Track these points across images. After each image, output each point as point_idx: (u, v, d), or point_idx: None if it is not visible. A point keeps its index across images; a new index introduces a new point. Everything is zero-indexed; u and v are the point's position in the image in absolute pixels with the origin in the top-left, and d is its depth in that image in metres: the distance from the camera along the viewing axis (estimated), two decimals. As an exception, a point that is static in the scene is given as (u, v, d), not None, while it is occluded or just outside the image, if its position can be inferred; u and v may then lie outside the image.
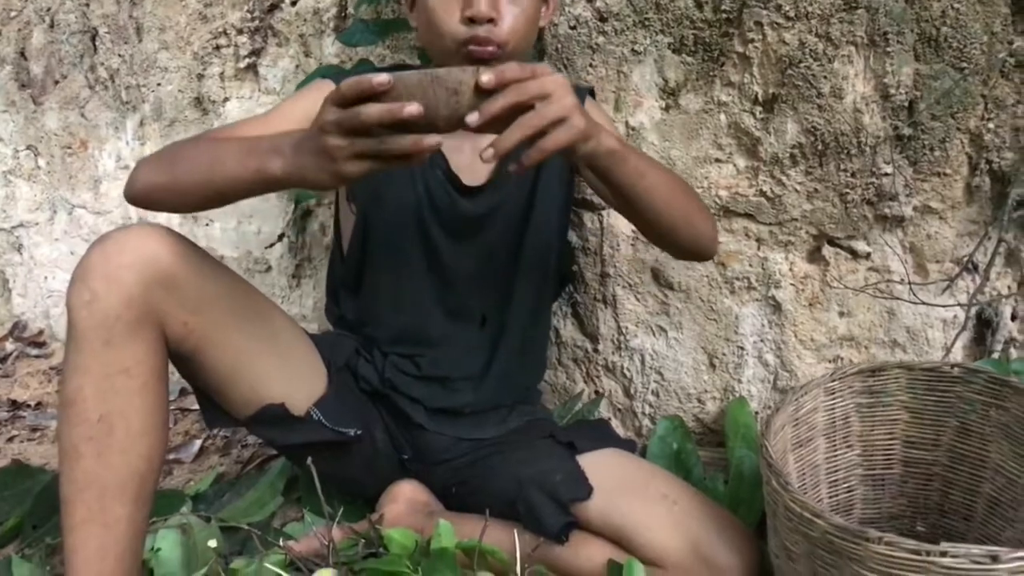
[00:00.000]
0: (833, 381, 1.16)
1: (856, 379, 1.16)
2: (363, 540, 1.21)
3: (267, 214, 1.81)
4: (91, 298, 1.00)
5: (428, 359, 1.31)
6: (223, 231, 1.88)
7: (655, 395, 1.55)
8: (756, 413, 1.49)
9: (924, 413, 1.16)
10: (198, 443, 1.67)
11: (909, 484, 1.20)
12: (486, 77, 0.83)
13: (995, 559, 0.84)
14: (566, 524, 1.18)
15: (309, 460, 1.10)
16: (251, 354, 1.18)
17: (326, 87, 1.15)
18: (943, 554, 0.84)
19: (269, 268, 1.85)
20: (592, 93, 1.39)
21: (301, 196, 1.67)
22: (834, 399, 1.17)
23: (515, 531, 1.16)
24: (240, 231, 1.86)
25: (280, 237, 1.78)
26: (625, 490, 1.19)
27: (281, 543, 1.16)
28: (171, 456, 1.63)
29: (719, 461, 1.45)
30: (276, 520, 1.42)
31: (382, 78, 0.82)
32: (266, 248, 1.81)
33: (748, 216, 1.43)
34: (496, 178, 1.28)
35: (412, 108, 0.81)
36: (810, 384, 1.15)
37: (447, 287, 1.31)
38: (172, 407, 1.81)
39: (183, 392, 1.86)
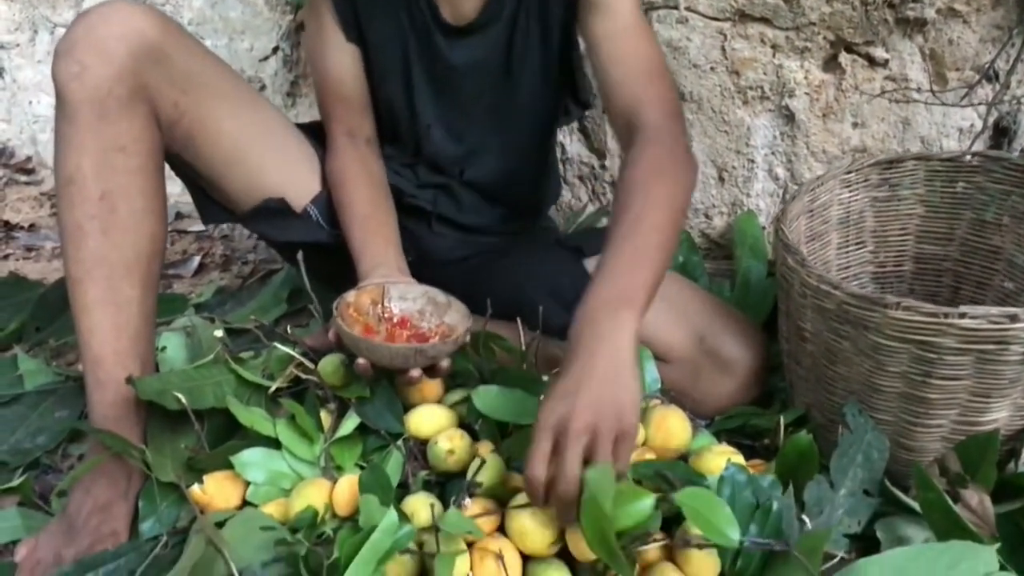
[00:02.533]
0: (849, 173, 1.14)
1: (873, 171, 1.14)
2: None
3: (259, 29, 1.74)
4: (80, 70, 0.97)
5: (426, 169, 1.27)
6: (214, 48, 1.80)
7: (661, 210, 1.53)
8: (764, 228, 1.47)
9: (940, 207, 1.15)
10: (197, 259, 1.65)
11: (920, 281, 1.19)
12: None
13: (1013, 319, 0.83)
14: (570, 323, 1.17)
15: (300, 255, 1.08)
16: (246, 142, 1.15)
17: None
18: (962, 316, 0.84)
19: (263, 87, 1.79)
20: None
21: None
22: (850, 192, 1.15)
23: (519, 323, 1.16)
24: (232, 48, 1.79)
25: (274, 51, 1.71)
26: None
27: (289, 333, 1.14)
28: (170, 271, 1.61)
29: (725, 272, 1.44)
30: (280, 328, 1.41)
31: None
32: (260, 61, 1.74)
33: (764, 20, 1.37)
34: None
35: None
36: (826, 175, 1.12)
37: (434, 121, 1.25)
38: (169, 229, 1.78)
39: (179, 216, 1.83)
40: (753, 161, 1.46)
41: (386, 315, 1.04)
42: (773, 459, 1.01)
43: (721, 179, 1.48)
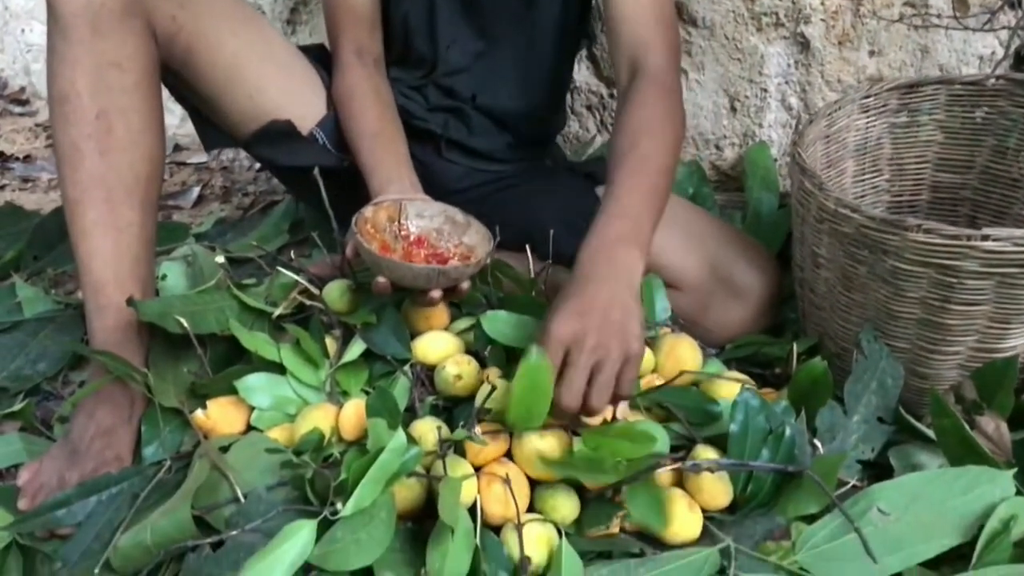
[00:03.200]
0: (868, 98, 1.10)
1: (892, 95, 1.10)
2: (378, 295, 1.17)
3: (258, -48, 1.68)
4: None
5: (436, 92, 1.24)
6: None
7: (671, 141, 1.49)
8: (776, 160, 1.44)
9: (960, 133, 1.11)
10: (196, 190, 1.62)
11: (936, 210, 1.17)
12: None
13: (1039, 241, 0.81)
14: (582, 248, 1.15)
15: (316, 171, 1.04)
16: (246, 60, 1.11)
17: None
18: (985, 238, 0.82)
19: (261, 12, 1.74)
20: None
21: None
22: (868, 118, 1.11)
23: (528, 250, 1.13)
24: (230, -27, 1.73)
25: (274, -25, 1.66)
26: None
27: (292, 257, 1.12)
28: (170, 202, 1.59)
29: (736, 204, 1.42)
30: (283, 257, 1.39)
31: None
32: (258, -15, 1.69)
33: (782, -58, 1.33)
34: None
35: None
36: (844, 99, 1.09)
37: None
38: (167, 160, 1.75)
39: (177, 147, 1.79)
40: (766, 90, 1.42)
41: (403, 233, 1.01)
42: (784, 388, 1.00)
43: (733, 109, 1.45)
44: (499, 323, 0.97)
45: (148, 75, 1.00)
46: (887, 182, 1.16)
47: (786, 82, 1.41)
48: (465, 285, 0.96)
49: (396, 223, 1.01)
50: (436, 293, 0.94)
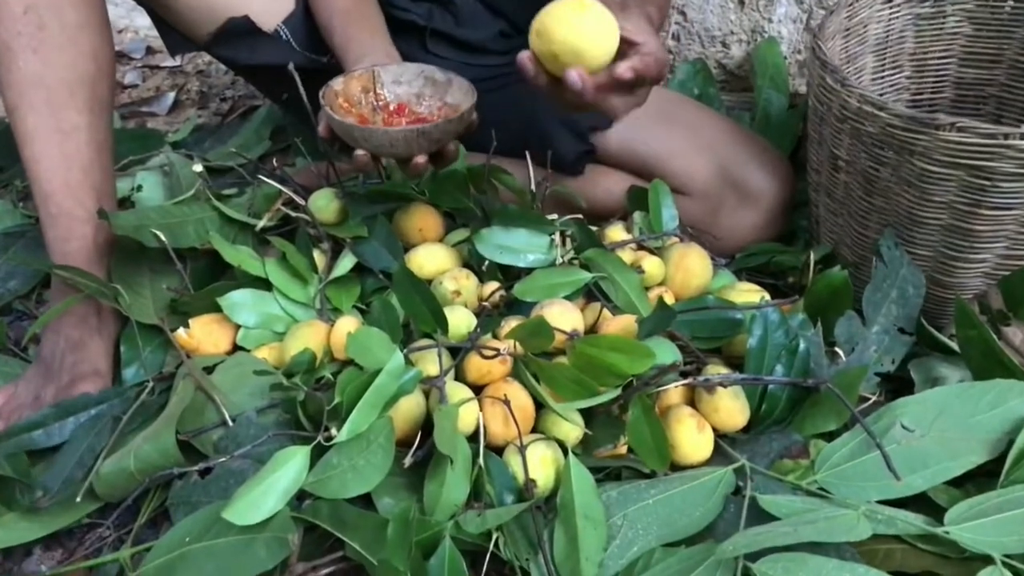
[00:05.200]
0: (893, -14, 1.02)
1: (919, -17, 1.02)
2: (363, 174, 1.11)
3: None
4: None
5: None
6: None
7: (675, 39, 1.41)
8: (785, 58, 1.36)
9: (989, 24, 1.04)
10: (171, 96, 1.53)
11: (959, 108, 1.10)
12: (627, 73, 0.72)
13: (1082, 140, 0.75)
14: (583, 153, 1.08)
15: (291, 66, 0.96)
16: None
17: None
18: (1023, 136, 0.76)
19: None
20: None
21: None
22: (891, 9, 1.03)
23: (527, 157, 1.07)
24: None
25: None
26: (648, 118, 1.07)
27: (275, 164, 1.05)
28: (143, 109, 1.50)
29: (744, 105, 1.34)
30: (266, 165, 1.31)
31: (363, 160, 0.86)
32: None
33: None
34: None
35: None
36: (867, -12, 1.01)
37: None
38: (139, 64, 1.66)
39: (150, 50, 1.69)
40: (777, -18, 1.33)
41: (380, 102, 0.93)
42: (799, 299, 0.95)
43: (741, 3, 1.36)
44: (493, 241, 0.91)
45: None
46: (908, 79, 1.09)
47: (798, -27, 1.32)
48: (452, 146, 0.89)
49: (372, 93, 0.93)
50: (421, 158, 0.86)
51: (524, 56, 0.74)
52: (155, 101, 1.51)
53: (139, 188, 1.17)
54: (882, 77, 1.08)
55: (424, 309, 0.80)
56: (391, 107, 0.93)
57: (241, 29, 1.07)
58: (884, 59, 1.07)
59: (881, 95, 1.09)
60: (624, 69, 0.72)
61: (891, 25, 1.05)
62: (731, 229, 1.03)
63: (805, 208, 1.07)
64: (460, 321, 0.83)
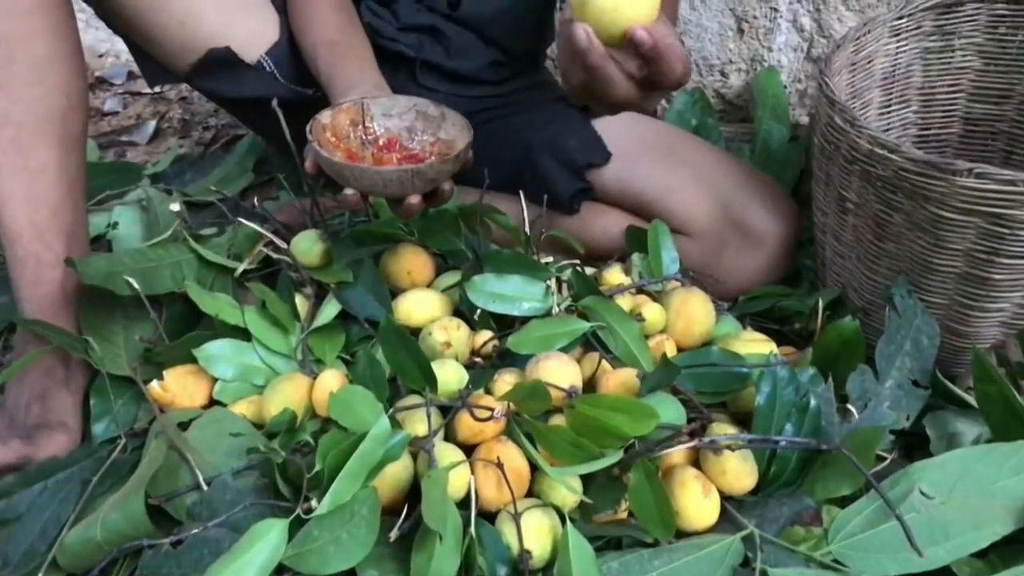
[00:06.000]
0: (900, 19, 0.98)
1: (927, 16, 0.99)
2: (350, 212, 1.06)
3: None
4: None
5: (409, 5, 1.10)
6: None
7: (671, 67, 1.37)
8: (785, 88, 1.33)
9: (999, 59, 1.00)
10: (152, 124, 1.48)
11: (968, 145, 1.06)
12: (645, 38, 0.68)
13: (1108, 188, 0.71)
14: (579, 191, 1.04)
15: (274, 102, 0.92)
16: None
17: None
18: (1046, 184, 0.72)
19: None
20: None
21: None
22: (898, 42, 1.00)
23: (520, 196, 1.03)
24: None
25: None
26: (646, 154, 1.04)
27: (256, 204, 1.00)
28: (123, 138, 1.45)
29: (743, 136, 1.30)
30: (247, 202, 1.26)
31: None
32: None
33: None
34: None
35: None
36: (874, 22, 0.97)
37: None
38: (120, 91, 1.61)
39: (131, 75, 1.64)
40: (776, 10, 1.29)
41: (370, 136, 0.88)
42: (806, 347, 0.91)
43: (740, 31, 1.32)
44: (485, 288, 0.86)
45: None
46: (915, 114, 1.05)
47: (799, 0, 1.28)
48: (447, 186, 0.83)
49: (361, 126, 0.88)
50: (415, 198, 0.81)
51: (578, 26, 0.69)
52: (135, 130, 1.46)
53: (115, 225, 1.12)
54: (889, 112, 1.04)
55: (412, 366, 0.75)
56: (381, 141, 0.88)
57: (223, 60, 1.03)
58: (891, 94, 1.03)
59: (887, 131, 1.05)
60: (644, 34, 0.67)
61: (898, 59, 1.01)
62: (733, 271, 0.99)
63: (810, 247, 1.03)
64: (450, 376, 0.79)
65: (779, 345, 0.90)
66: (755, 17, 1.31)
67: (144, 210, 1.16)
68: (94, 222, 1.12)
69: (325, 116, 0.85)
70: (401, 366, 0.76)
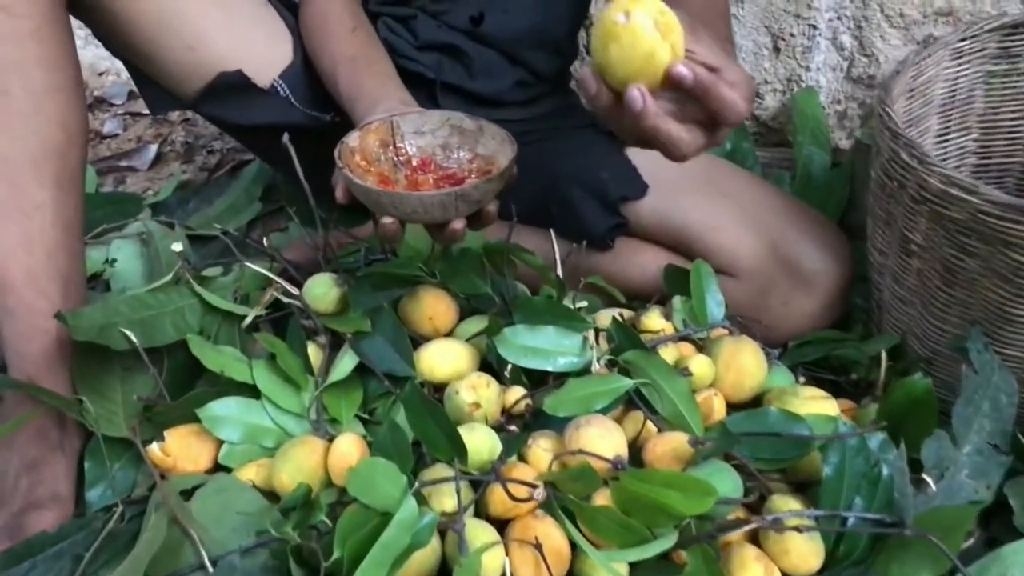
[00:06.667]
0: (963, 41, 0.91)
1: (992, 37, 0.91)
2: (365, 247, 0.99)
3: None
4: None
5: (428, 22, 1.03)
6: None
7: (703, 87, 1.30)
8: (823, 109, 1.25)
9: (1070, 83, 0.92)
10: (154, 148, 1.40)
11: (1032, 175, 0.99)
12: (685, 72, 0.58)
13: None
14: (614, 226, 0.96)
15: (285, 137, 0.85)
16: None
17: None
18: None
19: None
20: None
21: None
22: (959, 66, 0.92)
23: (552, 234, 0.95)
24: None
25: None
26: (686, 186, 0.96)
27: (264, 244, 0.93)
28: (123, 163, 1.38)
29: (781, 162, 1.23)
30: (254, 233, 1.20)
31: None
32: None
33: None
34: None
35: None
36: (935, 44, 0.90)
37: None
38: (120, 111, 1.54)
39: (132, 95, 1.57)
40: (815, 27, 1.22)
41: (401, 157, 0.80)
42: (865, 399, 0.83)
43: (776, 49, 1.25)
44: (517, 342, 0.78)
45: (50, 20, 0.79)
46: (975, 142, 0.98)
47: (838, 17, 1.21)
48: (491, 207, 0.75)
49: (391, 147, 0.80)
50: (459, 224, 0.72)
51: (586, 71, 0.61)
52: (136, 154, 1.39)
53: (113, 262, 1.05)
54: (947, 140, 0.97)
55: (439, 435, 0.68)
56: (414, 162, 0.80)
57: (234, 85, 0.96)
58: (949, 121, 0.96)
59: (944, 159, 0.97)
60: (681, 70, 0.57)
61: (958, 84, 0.93)
62: (783, 316, 0.91)
63: (861, 285, 0.95)
64: (481, 444, 0.71)
65: (835, 397, 0.82)
66: (792, 35, 1.23)
67: (144, 244, 1.08)
68: (91, 256, 1.05)
69: (353, 138, 0.77)
70: (427, 435, 0.68)
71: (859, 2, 1.19)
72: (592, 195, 0.97)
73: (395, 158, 0.80)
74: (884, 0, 1.17)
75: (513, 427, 0.76)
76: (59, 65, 0.80)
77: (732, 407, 0.82)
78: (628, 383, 0.75)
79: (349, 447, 0.73)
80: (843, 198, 1.11)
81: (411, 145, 0.81)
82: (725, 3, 0.94)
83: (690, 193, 0.95)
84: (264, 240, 0.93)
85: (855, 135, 1.25)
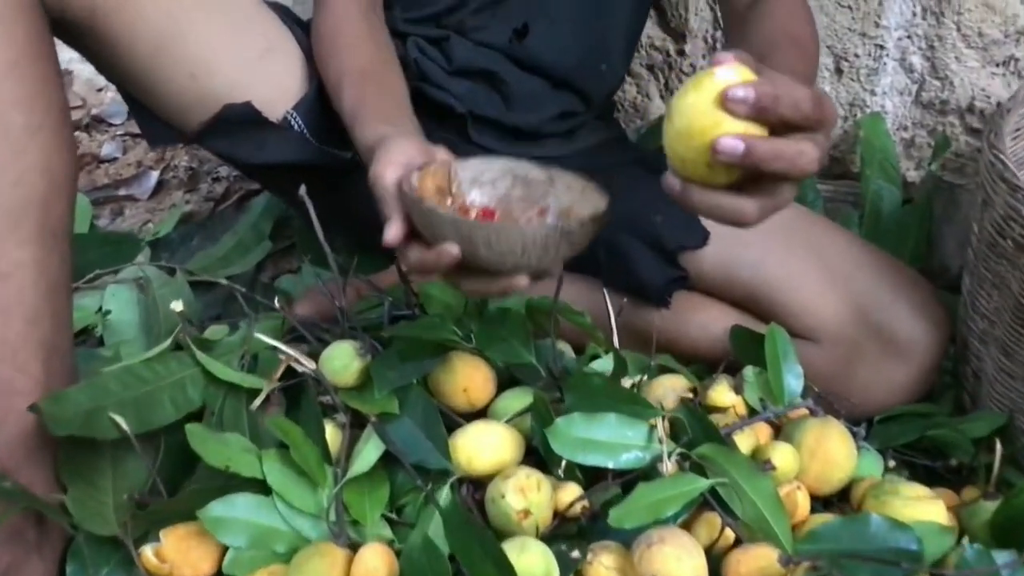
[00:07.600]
0: (1078, 73, 0.79)
1: (1112, 70, 0.79)
2: (388, 299, 0.87)
3: None
4: None
5: (462, 43, 0.92)
6: None
7: (756, 112, 1.18)
8: (892, 137, 1.14)
9: None
10: (155, 175, 1.30)
11: None
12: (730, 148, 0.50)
13: None
14: (672, 280, 0.85)
15: (302, 190, 0.74)
16: (184, 23, 0.82)
17: None
18: None
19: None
20: None
21: None
22: (1074, 100, 0.81)
23: (604, 291, 0.84)
24: None
25: None
26: (755, 235, 0.84)
27: (276, 304, 0.82)
28: (121, 192, 1.27)
29: (846, 196, 1.11)
30: (264, 274, 1.09)
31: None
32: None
33: None
34: None
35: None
36: (1047, 76, 0.78)
37: None
38: (119, 132, 1.43)
39: (131, 117, 1.47)
40: (883, 47, 1.11)
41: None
42: (967, 489, 0.72)
43: (839, 71, 1.13)
44: (571, 433, 0.67)
45: (29, 55, 0.69)
46: (1082, 184, 0.86)
47: (908, 36, 1.10)
48: (558, 268, 0.65)
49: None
50: (523, 280, 0.61)
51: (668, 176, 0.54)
52: (135, 182, 1.28)
53: (107, 313, 0.94)
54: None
55: (485, 560, 0.57)
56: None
57: (241, 118, 0.86)
58: (1055, 160, 0.84)
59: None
60: (728, 144, 0.50)
61: (1071, 121, 0.82)
62: (869, 389, 0.80)
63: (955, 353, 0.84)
64: (534, 567, 0.60)
65: (930, 486, 0.71)
66: (856, 56, 1.12)
67: (142, 290, 0.98)
68: (83, 305, 0.95)
69: (414, 178, 0.65)
70: (469, 558, 0.57)
71: (932, 20, 1.07)
72: (645, 243, 0.86)
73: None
74: (962, 17, 1.06)
75: (565, 546, 0.64)
76: (45, 104, 0.70)
77: (815, 499, 0.71)
78: (703, 484, 0.64)
79: (375, 561, 0.61)
80: (920, 242, 1.00)
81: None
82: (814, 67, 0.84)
83: (761, 243, 0.83)
84: (276, 298, 0.82)
85: (925, 166, 1.14)
